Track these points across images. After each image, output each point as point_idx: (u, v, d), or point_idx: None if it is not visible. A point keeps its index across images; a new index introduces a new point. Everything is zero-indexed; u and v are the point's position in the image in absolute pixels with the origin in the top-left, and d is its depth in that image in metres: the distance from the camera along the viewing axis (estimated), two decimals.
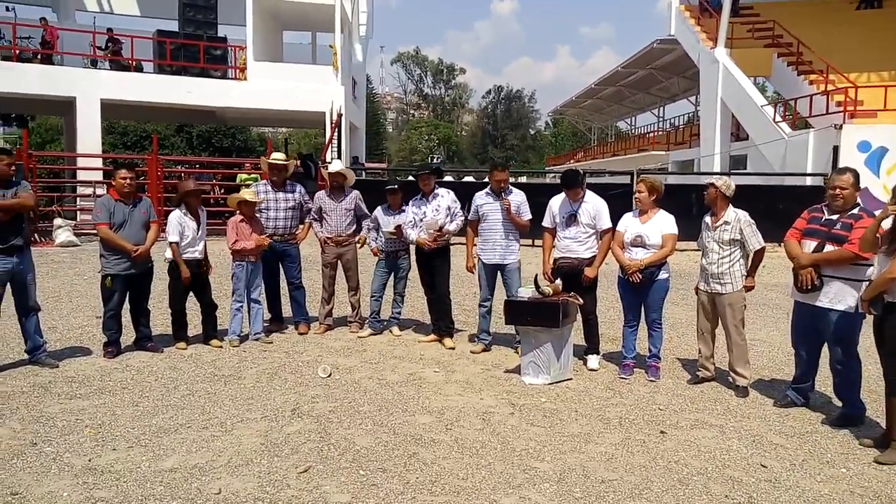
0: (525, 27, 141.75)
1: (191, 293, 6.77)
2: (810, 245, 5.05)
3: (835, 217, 4.99)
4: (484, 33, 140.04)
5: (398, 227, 7.06)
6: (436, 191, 7.03)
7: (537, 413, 5.10)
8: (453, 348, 6.89)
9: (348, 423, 4.81)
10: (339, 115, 20.67)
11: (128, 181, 6.28)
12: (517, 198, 6.64)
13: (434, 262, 6.98)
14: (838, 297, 4.90)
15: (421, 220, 6.96)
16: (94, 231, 6.43)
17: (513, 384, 5.80)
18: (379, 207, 7.39)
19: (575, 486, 3.92)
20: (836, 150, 16.69)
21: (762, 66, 22.86)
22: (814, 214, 5.19)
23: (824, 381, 5.44)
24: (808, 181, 17.11)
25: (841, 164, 16.29)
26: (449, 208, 6.96)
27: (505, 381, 5.88)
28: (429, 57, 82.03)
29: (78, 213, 17.12)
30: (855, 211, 4.94)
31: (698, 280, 5.90)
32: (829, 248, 4.92)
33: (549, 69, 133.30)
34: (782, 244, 5.40)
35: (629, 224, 6.02)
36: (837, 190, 4.98)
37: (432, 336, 7.17)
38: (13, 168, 5.81)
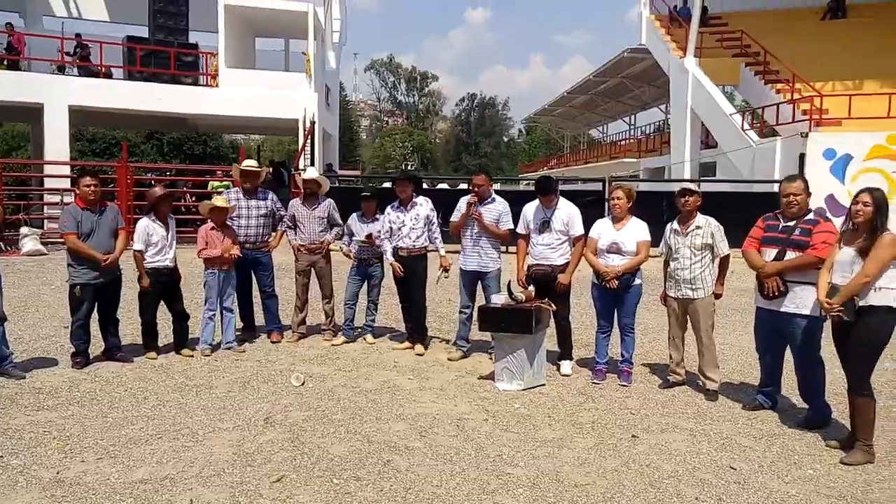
0: (498, 35, 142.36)
1: (161, 302, 6.69)
2: (770, 253, 5.15)
3: (792, 223, 5.11)
4: (458, 41, 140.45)
5: (369, 236, 7.05)
6: (415, 199, 7.01)
7: (511, 419, 5.12)
8: (422, 354, 6.90)
9: (322, 431, 4.79)
10: (313, 123, 20.59)
11: (91, 188, 6.20)
12: (498, 206, 6.65)
13: (411, 270, 6.97)
14: (802, 301, 5.00)
15: (399, 228, 6.93)
16: (62, 240, 6.32)
17: (487, 390, 5.82)
18: (353, 215, 7.37)
19: (548, 490, 3.95)
20: (802, 157, 17.01)
21: (730, 75, 23.24)
22: (769, 223, 5.30)
23: (792, 384, 5.54)
24: (776, 188, 17.41)
25: (808, 172, 16.64)
26: (427, 217, 6.95)
27: (479, 388, 5.90)
28: (402, 64, 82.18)
29: (45, 221, 16.81)
30: (811, 216, 5.09)
31: (667, 287, 5.97)
32: (790, 254, 5.03)
33: (522, 77, 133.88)
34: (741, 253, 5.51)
35: (603, 231, 6.08)
36: (791, 197, 5.11)
37: (407, 343, 7.17)
38: None
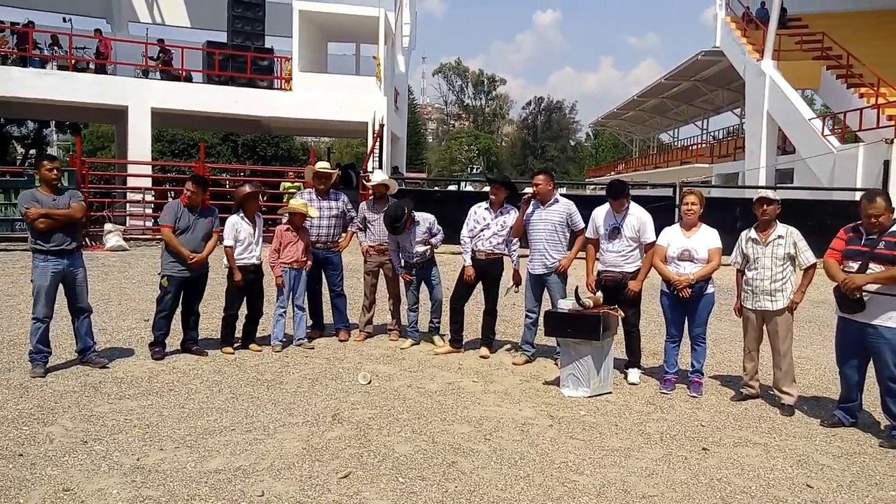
0: (568, 38, 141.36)
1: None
2: (853, 267, 4.97)
3: (875, 236, 4.92)
4: (526, 44, 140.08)
5: (427, 243, 7.12)
6: (506, 206, 6.96)
7: (577, 426, 5.07)
8: (486, 357, 6.90)
9: (388, 430, 4.85)
10: (381, 126, 20.88)
11: (191, 194, 6.45)
12: (560, 208, 6.58)
13: (486, 273, 6.96)
14: (887, 313, 4.81)
15: (482, 230, 6.87)
16: (143, 236, 6.62)
17: (552, 396, 5.78)
18: (391, 235, 7.22)
19: (615, 500, 3.89)
20: (886, 164, 16.28)
21: (810, 79, 22.44)
22: (851, 235, 5.12)
23: (874, 401, 5.30)
24: (858, 196, 16.72)
25: (893, 179, 15.91)
26: (512, 228, 6.92)
27: (544, 393, 5.87)
28: (470, 68, 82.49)
29: (128, 218, 17.59)
30: (895, 228, 4.86)
31: (743, 298, 5.79)
32: (873, 267, 4.86)
33: (591, 80, 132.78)
34: (822, 264, 5.32)
35: (673, 238, 5.95)
36: (873, 219, 4.91)
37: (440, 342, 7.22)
38: (56, 173, 5.94)
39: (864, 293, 4.88)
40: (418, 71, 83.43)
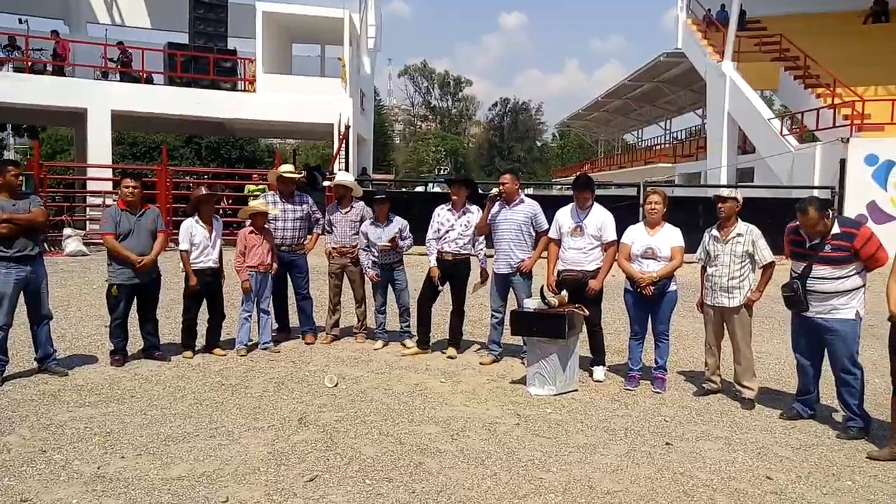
0: (533, 40, 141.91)
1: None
2: (798, 266, 5.13)
3: (818, 241, 5.03)
4: (493, 46, 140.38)
5: (393, 240, 7.03)
6: (467, 206, 6.95)
7: (543, 424, 5.11)
8: (454, 357, 6.91)
9: (354, 432, 4.83)
10: (347, 127, 20.78)
11: (131, 190, 6.33)
12: (526, 208, 6.62)
13: (452, 274, 6.96)
14: (835, 307, 4.97)
15: (447, 231, 6.86)
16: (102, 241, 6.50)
17: (518, 395, 5.82)
18: (366, 221, 7.33)
19: (580, 496, 3.93)
20: (843, 163, 16.70)
21: (769, 80, 22.89)
22: (795, 237, 5.23)
23: (831, 393, 5.43)
24: (816, 194, 17.11)
25: (849, 177, 16.34)
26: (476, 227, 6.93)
27: (510, 392, 5.90)
28: (436, 69, 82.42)
29: (87, 222, 17.24)
30: (837, 230, 4.97)
31: (703, 294, 5.89)
32: (817, 268, 4.98)
33: (557, 81, 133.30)
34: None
35: (637, 236, 6.03)
36: (810, 229, 5.02)
37: (410, 345, 7.20)
38: (21, 179, 5.88)
39: (808, 290, 5.02)
40: (384, 72, 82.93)
